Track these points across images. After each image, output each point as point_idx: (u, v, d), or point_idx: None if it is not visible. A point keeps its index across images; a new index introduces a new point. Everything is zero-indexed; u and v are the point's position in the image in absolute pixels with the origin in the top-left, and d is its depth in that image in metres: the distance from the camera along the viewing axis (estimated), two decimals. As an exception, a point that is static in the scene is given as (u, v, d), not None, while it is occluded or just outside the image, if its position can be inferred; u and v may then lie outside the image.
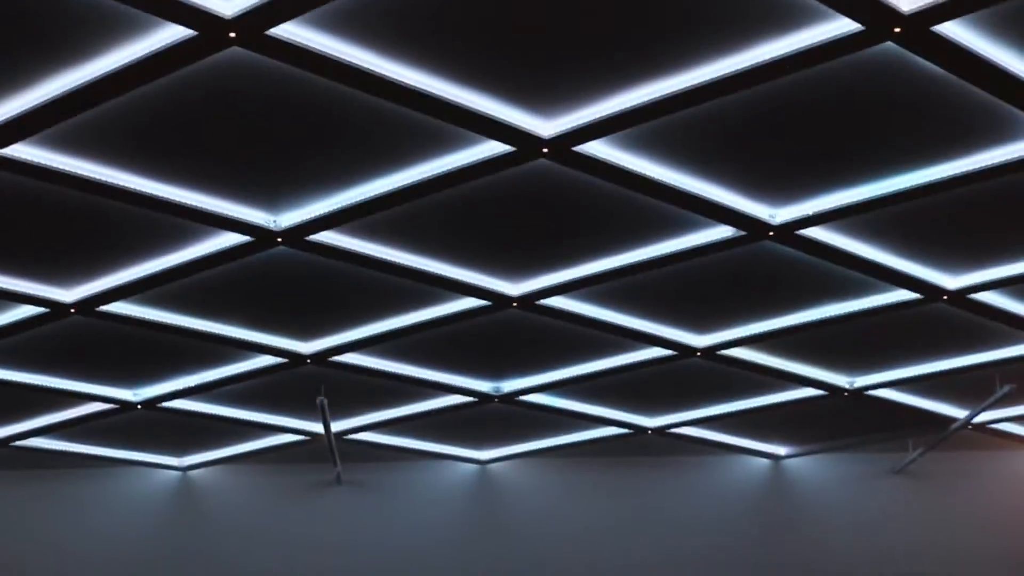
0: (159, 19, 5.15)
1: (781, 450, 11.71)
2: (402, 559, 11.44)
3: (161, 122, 5.94)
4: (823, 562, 11.56)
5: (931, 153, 6.45)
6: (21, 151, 6.11)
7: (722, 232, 7.18)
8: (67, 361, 8.95)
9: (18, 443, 10.51)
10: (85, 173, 6.29)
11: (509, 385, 9.73)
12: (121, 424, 10.14)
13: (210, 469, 11.54)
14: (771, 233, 7.11)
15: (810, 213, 6.93)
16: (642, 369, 9.24)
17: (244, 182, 6.57)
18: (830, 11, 5.24)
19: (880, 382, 9.72)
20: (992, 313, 8.35)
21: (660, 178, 6.55)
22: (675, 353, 8.95)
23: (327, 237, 7.09)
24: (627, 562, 11.53)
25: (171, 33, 5.26)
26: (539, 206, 6.89)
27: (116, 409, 9.73)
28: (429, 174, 6.45)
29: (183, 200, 6.61)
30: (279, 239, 7.00)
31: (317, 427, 10.31)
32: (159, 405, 9.67)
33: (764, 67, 5.55)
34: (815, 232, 7.19)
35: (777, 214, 7.02)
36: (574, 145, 6.19)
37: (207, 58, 5.38)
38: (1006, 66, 5.59)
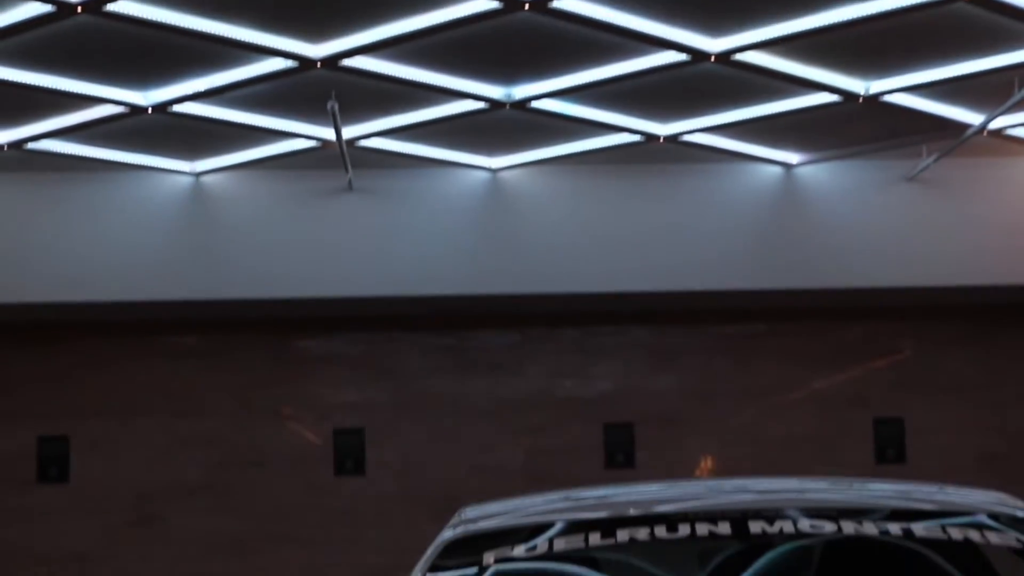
0: None
1: (794, 158, 11.68)
2: (412, 265, 11.56)
3: None
4: (835, 268, 11.66)
5: None
6: None
7: (740, -71, 7.02)
8: (76, 62, 8.85)
9: (31, 145, 10.50)
10: None
11: (521, 91, 9.65)
12: (132, 128, 10.10)
13: (222, 175, 11.56)
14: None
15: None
16: (655, 75, 9.14)
17: None
18: None
19: (896, 87, 9.62)
20: (1014, 12, 8.19)
21: None
22: (688, 58, 8.83)
23: (336, -66, 6.94)
24: (638, 267, 11.64)
25: None
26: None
27: (127, 112, 9.69)
28: None
29: None
30: (287, -65, 6.85)
31: (328, 133, 10.27)
32: (170, 109, 9.63)
33: None
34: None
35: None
36: None
37: None
38: None
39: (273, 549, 12.78)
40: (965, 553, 3.99)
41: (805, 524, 3.73)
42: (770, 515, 3.78)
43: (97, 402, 12.84)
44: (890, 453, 12.84)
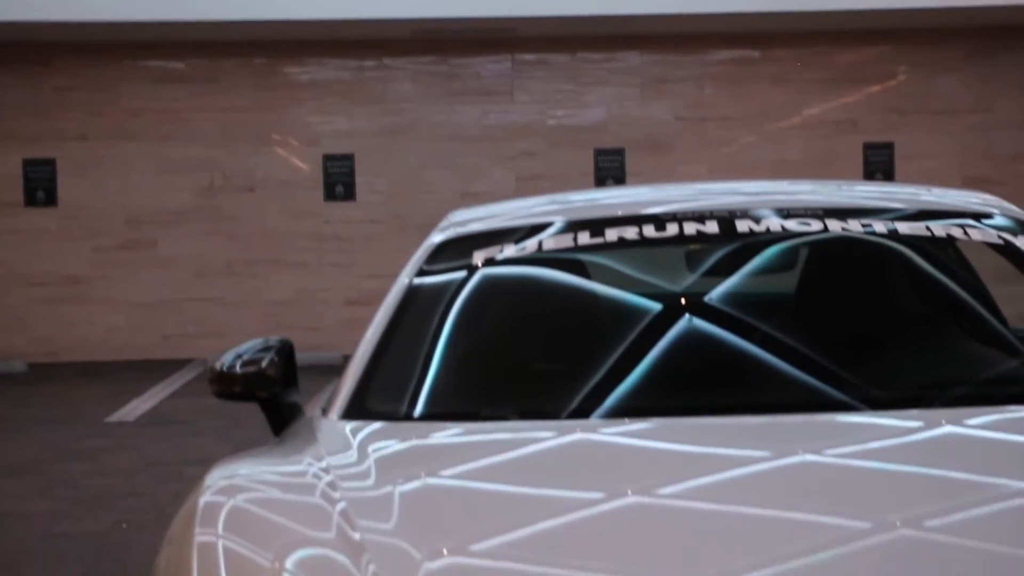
0: None
1: None
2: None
3: None
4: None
5: None
6: None
7: None
8: None
9: None
10: None
11: None
12: None
13: None
14: None
15: None
16: None
17: None
18: None
19: None
20: None
21: None
22: None
23: None
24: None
25: None
26: None
27: None
28: None
29: None
30: None
31: None
32: None
33: None
34: None
35: None
36: None
37: None
38: None
39: (264, 273, 12.91)
40: (946, 251, 4.03)
41: (792, 223, 3.75)
42: (757, 215, 3.80)
43: (83, 125, 12.78)
44: (879, 177, 12.91)
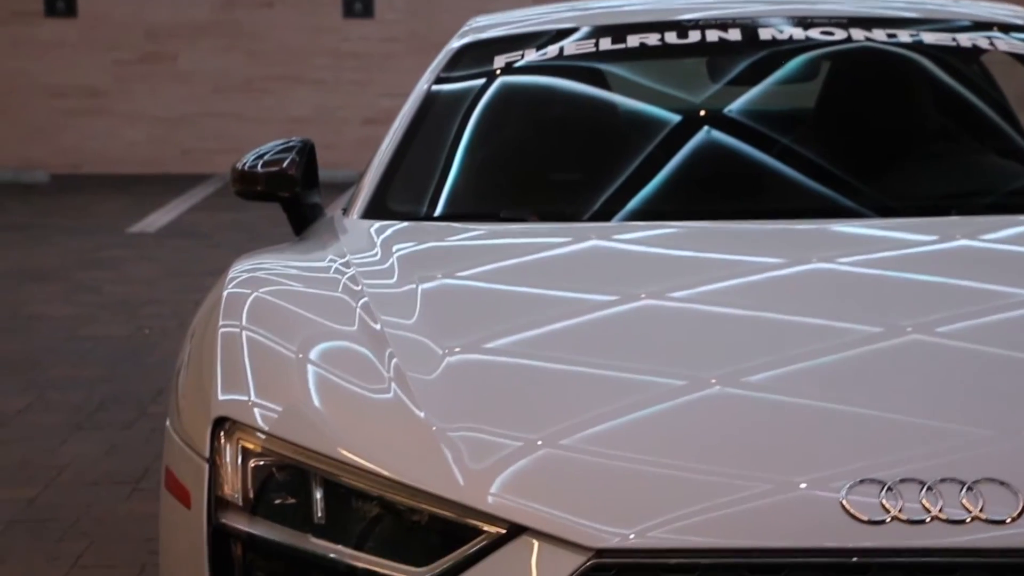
0: None
1: None
2: None
3: None
4: None
5: None
6: None
7: None
8: None
9: None
10: None
11: None
12: None
13: None
14: None
15: None
16: None
17: None
18: None
19: None
20: None
21: None
22: None
23: None
24: None
25: None
26: None
27: None
28: None
29: None
30: None
31: None
32: None
33: None
34: None
35: None
36: None
37: None
38: None
39: (282, 89, 12.87)
40: (971, 65, 4.01)
41: (815, 32, 3.74)
42: (780, 23, 3.78)
43: (102, -66, 12.66)
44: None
